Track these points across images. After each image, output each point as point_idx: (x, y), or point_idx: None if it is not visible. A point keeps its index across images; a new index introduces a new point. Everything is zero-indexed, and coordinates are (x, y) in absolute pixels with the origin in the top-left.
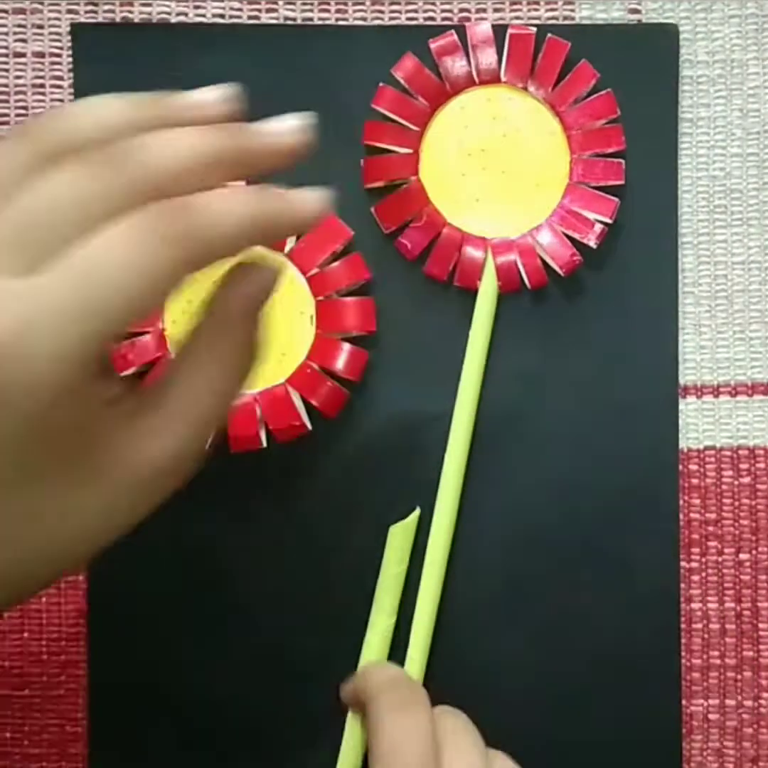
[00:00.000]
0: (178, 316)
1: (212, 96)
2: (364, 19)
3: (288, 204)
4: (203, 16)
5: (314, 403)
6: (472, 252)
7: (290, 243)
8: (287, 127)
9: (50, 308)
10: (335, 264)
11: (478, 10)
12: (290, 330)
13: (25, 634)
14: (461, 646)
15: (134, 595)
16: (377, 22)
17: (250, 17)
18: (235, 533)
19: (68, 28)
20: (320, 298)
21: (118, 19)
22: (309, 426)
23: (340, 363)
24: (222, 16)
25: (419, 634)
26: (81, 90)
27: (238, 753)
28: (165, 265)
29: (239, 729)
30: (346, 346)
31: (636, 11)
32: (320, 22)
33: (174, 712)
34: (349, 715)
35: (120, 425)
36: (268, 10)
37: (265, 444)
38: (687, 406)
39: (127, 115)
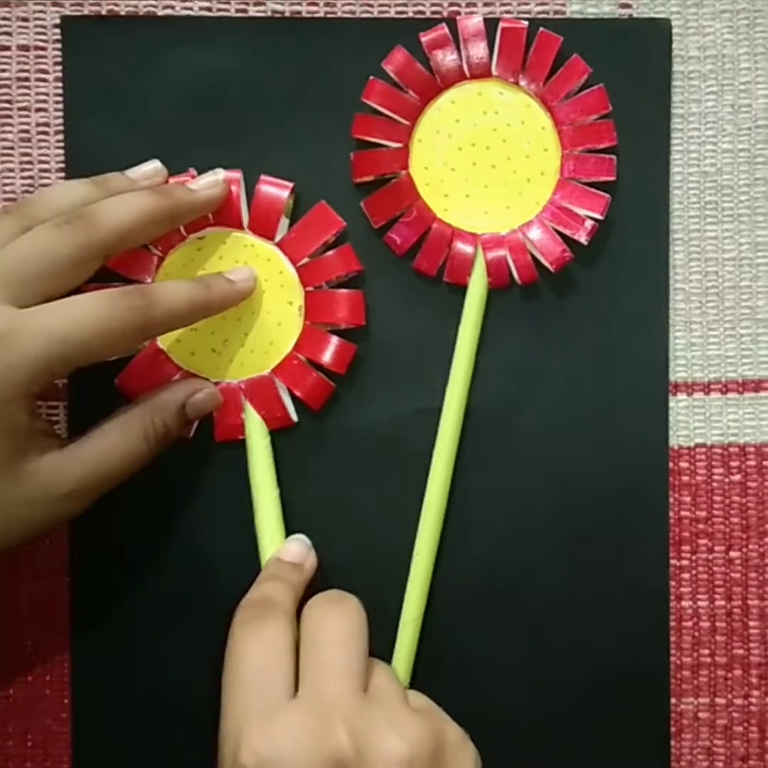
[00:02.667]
0: None
1: (142, 171)
2: (352, 12)
3: (216, 293)
4: (190, 9)
5: (299, 394)
6: (461, 247)
7: (281, 232)
8: (205, 184)
9: (28, 328)
10: (326, 254)
11: (468, 6)
12: (278, 320)
13: (11, 634)
14: (449, 642)
15: (118, 594)
16: (366, 15)
17: (237, 10)
18: (217, 523)
19: (54, 22)
20: (310, 288)
21: (103, 13)
22: (295, 417)
23: (327, 355)
24: (209, 9)
25: (407, 629)
26: (70, 82)
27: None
28: (125, 324)
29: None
30: (334, 339)
31: (627, 6)
32: (309, 15)
33: (159, 711)
34: None
35: (44, 452)
36: (256, 3)
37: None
38: (678, 404)
39: (89, 190)
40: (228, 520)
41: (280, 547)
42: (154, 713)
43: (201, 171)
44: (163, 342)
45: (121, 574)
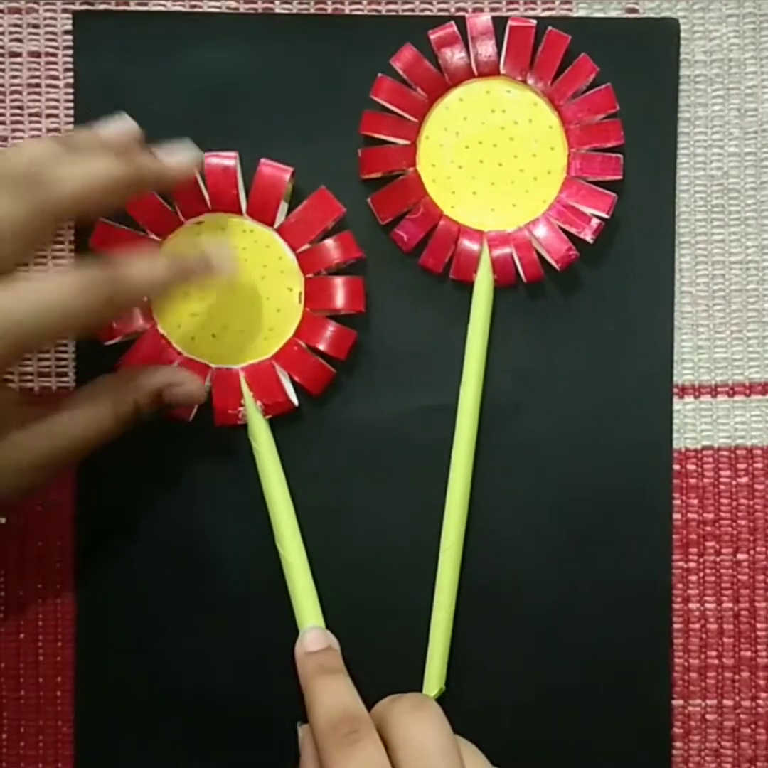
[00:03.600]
0: None
1: (113, 129)
2: (361, 9)
3: (183, 273)
4: (200, 6)
5: (299, 379)
6: (468, 244)
7: (281, 218)
8: (175, 159)
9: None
10: (326, 241)
11: (475, 10)
12: (278, 306)
13: (21, 636)
14: (454, 642)
15: (123, 590)
16: (375, 13)
17: (247, 7)
18: (220, 510)
19: (65, 28)
20: (309, 275)
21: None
22: (295, 401)
23: (326, 341)
24: (218, 6)
25: (439, 629)
26: (82, 78)
27: (229, 750)
28: (91, 303)
29: (230, 726)
30: (333, 325)
31: (633, 10)
32: (318, 12)
33: (164, 710)
34: None
35: (16, 424)
36: (265, 0)
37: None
38: (684, 406)
39: (49, 149)
40: (230, 504)
41: (302, 637)
42: (158, 713)
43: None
44: (164, 327)
45: (125, 574)
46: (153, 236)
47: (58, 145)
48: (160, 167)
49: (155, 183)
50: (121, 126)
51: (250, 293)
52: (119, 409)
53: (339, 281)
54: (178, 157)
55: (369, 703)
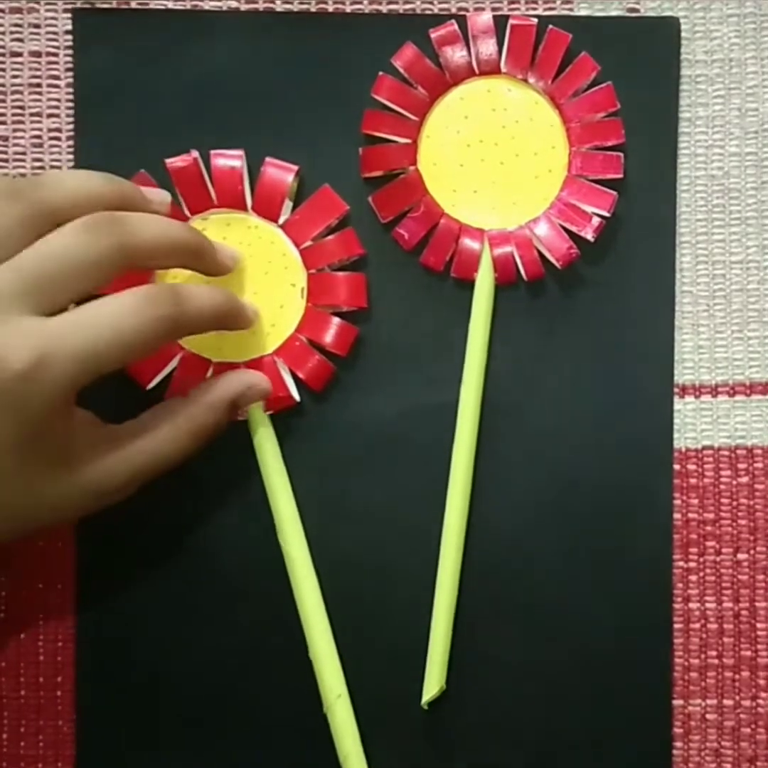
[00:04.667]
0: None
1: (160, 197)
2: (361, 8)
3: (237, 307)
4: (200, 6)
5: (301, 375)
6: (469, 243)
7: (285, 214)
8: (229, 254)
9: (61, 346)
10: (329, 237)
11: (476, 9)
12: (280, 302)
13: (22, 636)
14: (454, 641)
15: (124, 589)
16: (375, 11)
17: (247, 5)
18: (221, 506)
19: (65, 28)
20: (312, 271)
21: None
22: (297, 397)
23: (329, 337)
24: (220, 6)
25: (439, 625)
26: (82, 76)
27: (229, 750)
28: (153, 330)
29: (230, 726)
30: (336, 320)
31: (635, 10)
32: (319, 10)
33: (164, 710)
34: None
35: (95, 448)
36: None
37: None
38: (685, 406)
39: (105, 190)
40: (232, 500)
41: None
42: (158, 713)
43: (208, 165)
44: None
45: (126, 571)
46: None
47: (110, 187)
48: (217, 258)
49: (211, 263)
50: (162, 195)
51: (253, 289)
52: (200, 431)
53: (341, 277)
54: (228, 251)
55: (369, 703)
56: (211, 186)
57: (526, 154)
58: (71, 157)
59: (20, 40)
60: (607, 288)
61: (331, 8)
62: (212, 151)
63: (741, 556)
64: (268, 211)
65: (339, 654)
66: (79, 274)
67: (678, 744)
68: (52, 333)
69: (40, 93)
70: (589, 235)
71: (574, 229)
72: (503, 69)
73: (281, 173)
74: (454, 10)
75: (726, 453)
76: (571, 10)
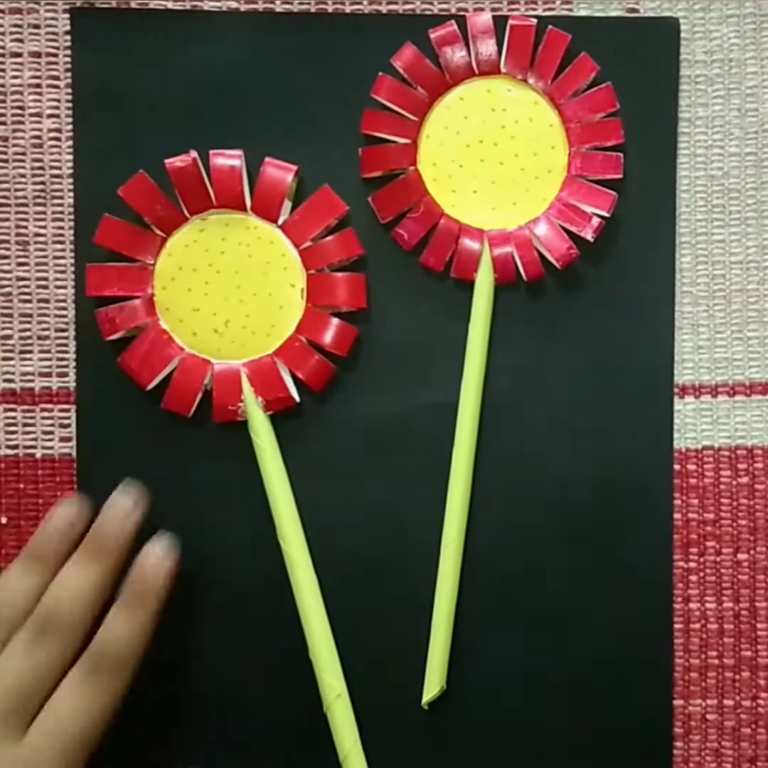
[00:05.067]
0: (168, 283)
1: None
2: (361, 9)
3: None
4: (200, 6)
5: (300, 375)
6: (468, 243)
7: (284, 215)
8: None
9: (42, 759)
10: (328, 238)
11: (475, 9)
12: (280, 302)
13: None
14: (455, 641)
15: None
16: (375, 11)
17: (247, 5)
18: (221, 507)
19: (65, 28)
20: (312, 271)
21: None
22: (297, 397)
23: (328, 337)
24: (219, 6)
25: (440, 626)
26: (82, 76)
27: (229, 750)
28: (106, 708)
29: (230, 726)
30: (335, 321)
31: (634, 10)
32: (318, 11)
33: (165, 709)
34: (334, 703)
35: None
36: (265, 0)
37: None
38: (685, 406)
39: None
40: (232, 501)
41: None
42: (159, 712)
43: (207, 165)
44: (166, 322)
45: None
46: (158, 232)
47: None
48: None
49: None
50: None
51: (253, 289)
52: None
53: (341, 278)
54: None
55: (369, 702)
56: (210, 186)
57: (526, 155)
58: (71, 157)
59: (20, 40)
60: (606, 289)
61: (330, 8)
62: (211, 151)
63: (741, 556)
64: (267, 211)
65: (339, 654)
66: (47, 686)
67: (678, 744)
68: (31, 756)
69: (40, 93)
70: (589, 236)
71: (573, 229)
72: (503, 69)
73: (281, 173)
74: (453, 11)
75: (726, 453)
76: (570, 10)
